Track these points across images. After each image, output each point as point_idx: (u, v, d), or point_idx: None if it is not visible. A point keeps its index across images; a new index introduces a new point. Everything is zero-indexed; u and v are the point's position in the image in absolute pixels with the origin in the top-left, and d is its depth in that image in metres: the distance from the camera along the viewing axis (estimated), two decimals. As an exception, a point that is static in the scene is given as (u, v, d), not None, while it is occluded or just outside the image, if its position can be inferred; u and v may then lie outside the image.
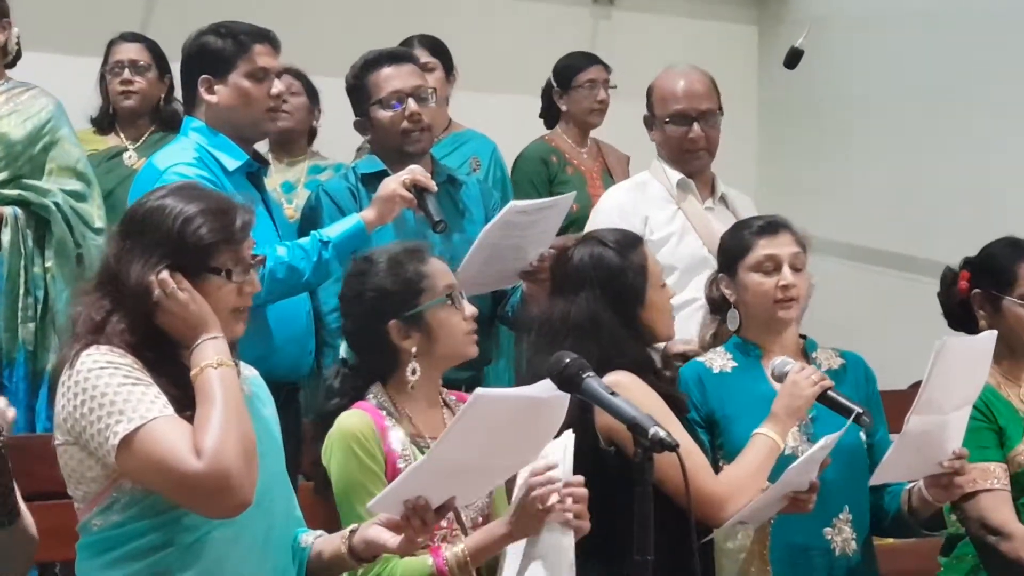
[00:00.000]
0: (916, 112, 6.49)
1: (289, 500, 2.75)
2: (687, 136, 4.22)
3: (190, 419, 2.44)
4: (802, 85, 6.57)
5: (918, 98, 6.47)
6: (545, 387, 2.48)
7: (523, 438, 2.51)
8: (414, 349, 2.94)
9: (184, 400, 2.47)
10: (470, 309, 3.00)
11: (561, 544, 2.63)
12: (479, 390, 2.42)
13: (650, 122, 4.33)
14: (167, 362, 2.52)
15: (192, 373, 2.48)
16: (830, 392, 3.13)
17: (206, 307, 2.52)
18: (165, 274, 2.50)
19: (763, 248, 3.34)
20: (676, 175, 4.25)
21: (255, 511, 2.49)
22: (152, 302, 2.50)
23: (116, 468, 2.45)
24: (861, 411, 3.08)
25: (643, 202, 4.24)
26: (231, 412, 2.44)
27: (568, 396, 2.49)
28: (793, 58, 5.22)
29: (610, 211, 4.23)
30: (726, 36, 7.27)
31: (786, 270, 3.32)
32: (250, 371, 2.74)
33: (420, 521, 2.48)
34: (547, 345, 3.07)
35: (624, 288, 3.18)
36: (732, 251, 3.41)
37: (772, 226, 3.39)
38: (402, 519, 2.50)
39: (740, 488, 3.04)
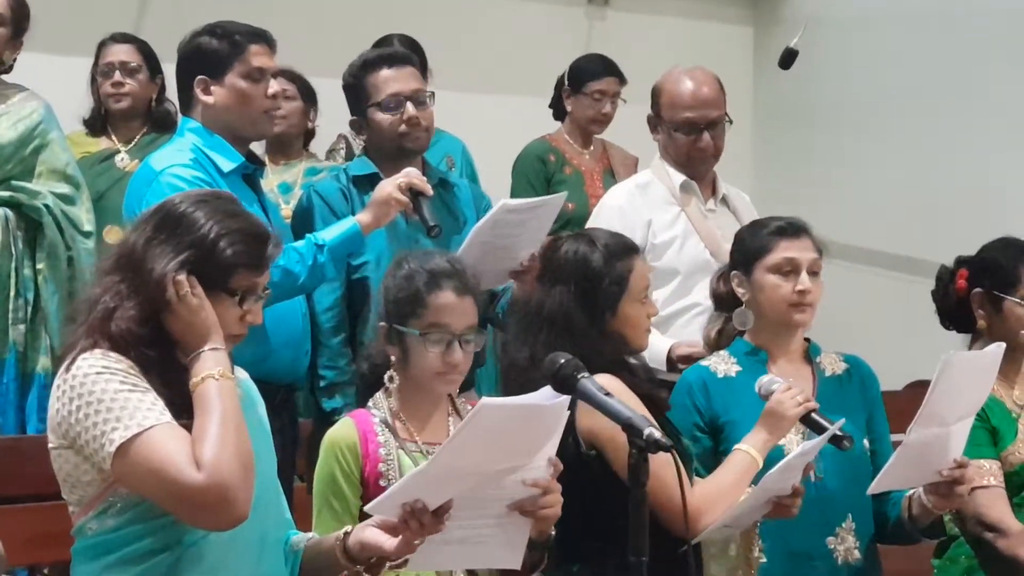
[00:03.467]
0: (912, 113, 6.50)
1: (280, 502, 2.74)
2: (695, 145, 4.17)
3: (187, 427, 2.42)
4: (797, 86, 6.57)
5: (914, 98, 6.48)
6: (547, 394, 2.49)
7: (523, 443, 2.50)
8: (393, 358, 2.94)
9: (181, 406, 2.45)
10: (453, 357, 2.90)
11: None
12: (484, 400, 2.41)
13: (655, 123, 4.26)
14: (167, 364, 2.50)
15: (192, 382, 2.47)
16: (813, 414, 3.11)
17: (213, 317, 2.50)
18: (183, 276, 2.48)
19: (784, 251, 3.31)
20: (679, 177, 4.20)
21: (251, 515, 2.46)
22: (164, 300, 2.48)
23: (112, 474, 2.42)
24: (841, 434, 3.05)
25: (644, 205, 4.19)
26: (230, 425, 2.42)
27: (567, 401, 2.48)
28: (788, 58, 5.21)
29: (611, 213, 4.18)
30: (721, 37, 7.27)
31: (804, 275, 3.29)
32: (241, 373, 2.72)
33: (418, 523, 2.47)
34: (523, 333, 3.10)
35: (597, 293, 3.14)
36: (750, 250, 3.36)
37: (794, 228, 3.35)
38: (399, 521, 2.49)
39: (712, 503, 3.02)
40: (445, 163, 5.03)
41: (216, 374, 2.46)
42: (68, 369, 2.45)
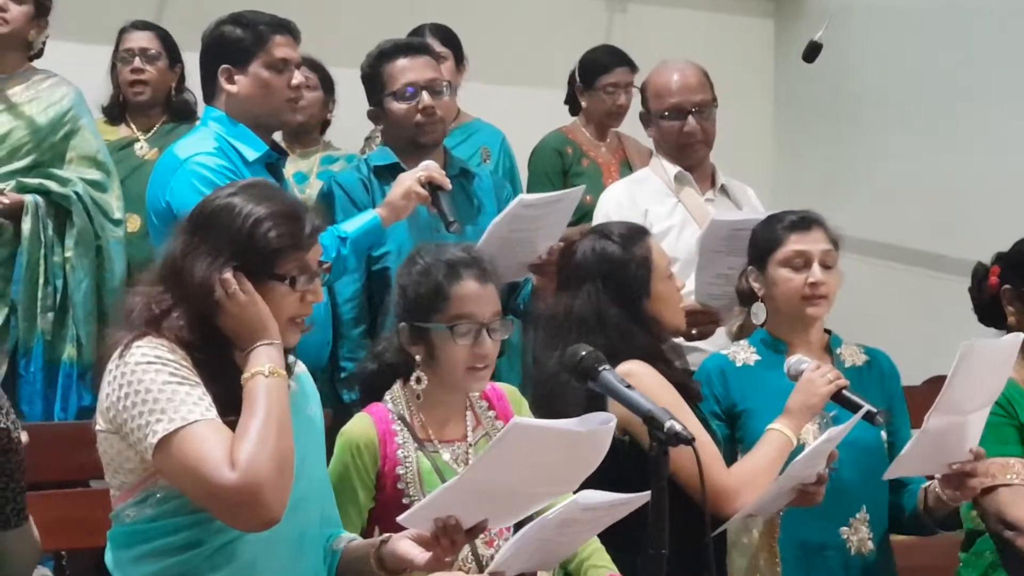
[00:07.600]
0: (935, 106, 6.46)
1: (326, 501, 2.73)
2: (683, 130, 4.23)
3: (233, 424, 2.41)
4: (819, 79, 6.54)
5: (937, 92, 6.44)
6: (586, 421, 2.43)
7: (562, 468, 2.47)
8: (418, 358, 2.90)
9: (229, 403, 2.44)
10: (484, 347, 2.85)
11: None
12: (516, 419, 2.40)
13: (646, 119, 4.35)
14: (219, 363, 2.48)
15: (243, 377, 2.45)
16: (844, 391, 3.12)
17: (266, 311, 2.48)
18: (228, 274, 2.46)
19: (794, 244, 3.33)
20: (674, 169, 4.28)
21: (291, 514, 2.45)
22: (213, 301, 2.47)
23: (152, 465, 2.43)
24: (874, 410, 3.06)
25: (641, 196, 4.27)
26: (272, 425, 2.40)
27: (612, 428, 2.43)
28: (812, 52, 5.19)
29: (608, 207, 4.27)
30: (742, 30, 7.25)
31: (816, 267, 3.31)
32: (300, 368, 2.70)
33: (449, 540, 2.46)
34: (552, 340, 3.08)
35: (627, 280, 3.18)
36: (763, 245, 3.39)
37: (805, 222, 3.37)
38: (432, 536, 2.48)
39: (750, 482, 3.04)
40: (480, 154, 5.02)
41: (266, 371, 2.44)
42: (122, 355, 2.45)
